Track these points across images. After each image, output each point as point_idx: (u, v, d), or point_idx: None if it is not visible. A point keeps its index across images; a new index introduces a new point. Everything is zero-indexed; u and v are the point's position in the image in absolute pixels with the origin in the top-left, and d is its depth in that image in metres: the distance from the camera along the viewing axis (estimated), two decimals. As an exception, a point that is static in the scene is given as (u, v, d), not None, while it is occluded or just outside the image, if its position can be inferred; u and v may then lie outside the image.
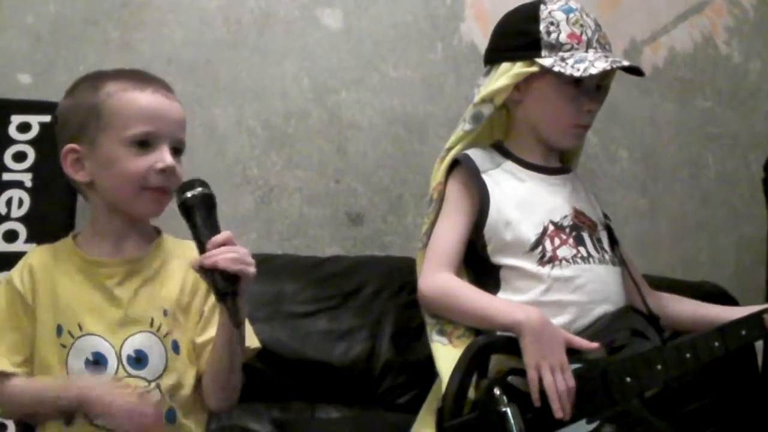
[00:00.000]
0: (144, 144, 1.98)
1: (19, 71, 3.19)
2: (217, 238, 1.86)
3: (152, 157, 1.98)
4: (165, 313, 2.01)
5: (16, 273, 2.05)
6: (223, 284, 1.83)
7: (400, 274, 2.92)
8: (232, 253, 1.85)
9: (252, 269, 1.87)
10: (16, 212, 2.79)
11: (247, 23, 3.36)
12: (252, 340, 2.09)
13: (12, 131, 2.88)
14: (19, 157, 2.84)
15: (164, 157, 1.98)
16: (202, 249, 1.87)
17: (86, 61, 3.19)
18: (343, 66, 3.40)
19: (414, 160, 3.35)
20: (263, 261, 3.01)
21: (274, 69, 3.36)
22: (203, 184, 1.92)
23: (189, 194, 1.90)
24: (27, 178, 2.82)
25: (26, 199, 2.80)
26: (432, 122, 3.40)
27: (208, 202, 1.91)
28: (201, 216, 1.89)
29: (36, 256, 2.08)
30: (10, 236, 2.76)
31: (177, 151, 2.03)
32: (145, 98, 2.02)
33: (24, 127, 2.88)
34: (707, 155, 3.68)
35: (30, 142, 2.86)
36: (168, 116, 2.03)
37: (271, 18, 3.37)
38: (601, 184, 3.51)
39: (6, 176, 2.83)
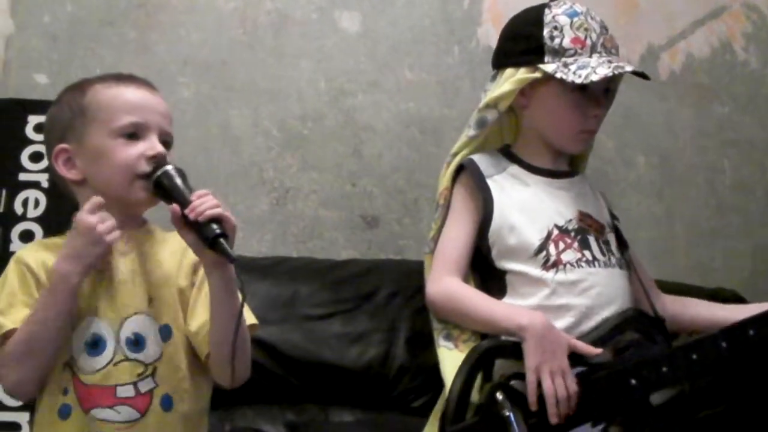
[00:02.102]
0: (132, 135, 1.99)
1: (36, 71, 3.20)
2: (199, 191, 1.91)
3: (141, 146, 1.99)
4: (150, 300, 2.01)
5: (29, 252, 2.04)
6: (212, 228, 1.87)
7: (416, 278, 2.89)
8: (213, 200, 1.89)
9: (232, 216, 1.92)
10: (32, 212, 2.80)
11: (263, 25, 3.36)
12: (250, 318, 2.06)
13: (29, 131, 2.89)
14: (36, 157, 2.85)
15: (154, 144, 2.00)
16: (184, 207, 1.90)
17: (102, 62, 3.20)
18: (360, 68, 3.40)
19: (429, 164, 3.34)
20: (278, 263, 3.04)
21: (290, 71, 3.36)
22: (169, 162, 1.99)
23: (163, 170, 1.95)
24: (43, 179, 2.83)
25: (42, 199, 2.81)
26: (448, 126, 3.39)
27: (182, 172, 1.96)
28: (180, 183, 1.94)
29: (36, 251, 2.05)
30: (27, 236, 2.77)
31: (165, 144, 2.04)
32: (129, 92, 2.05)
33: (41, 128, 2.86)
34: (724, 161, 3.68)
35: (46, 143, 2.87)
36: (154, 108, 2.05)
37: (287, 20, 3.37)
38: (616, 189, 3.50)
39: (23, 176, 2.84)
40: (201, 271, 2.04)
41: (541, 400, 2.10)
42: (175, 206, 1.89)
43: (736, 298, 3.07)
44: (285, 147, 3.33)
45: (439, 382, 2.32)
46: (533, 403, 2.09)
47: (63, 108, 2.07)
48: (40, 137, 2.86)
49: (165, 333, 2.01)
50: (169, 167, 1.95)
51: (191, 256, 2.03)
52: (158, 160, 1.98)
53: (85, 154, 2.02)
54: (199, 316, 2.02)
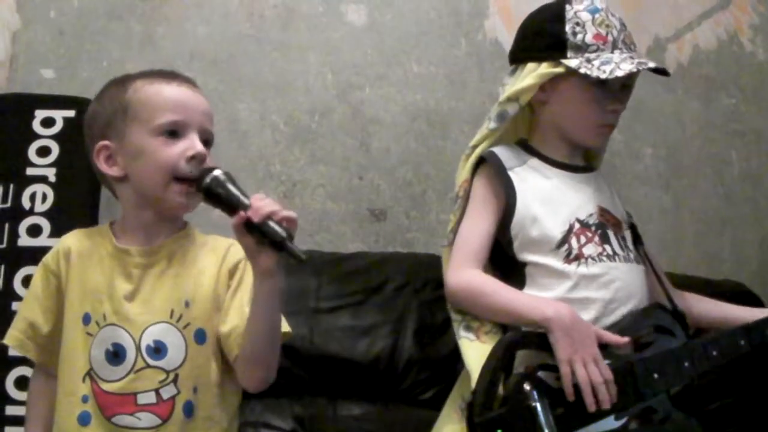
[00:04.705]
0: (173, 134, 1.97)
1: (43, 66, 3.21)
2: (257, 195, 1.87)
3: (182, 145, 1.97)
4: (187, 303, 2.00)
5: (52, 256, 2.06)
6: (281, 229, 1.82)
7: (423, 271, 2.91)
8: (272, 202, 1.85)
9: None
10: (39, 207, 2.79)
11: (270, 18, 3.36)
12: (284, 326, 2.04)
13: (36, 126, 2.89)
14: (43, 151, 2.85)
15: (194, 144, 1.97)
16: (244, 211, 1.85)
17: (109, 56, 3.20)
18: (367, 62, 3.40)
19: (437, 156, 3.34)
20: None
21: (297, 64, 3.36)
22: (215, 167, 1.94)
23: (212, 175, 1.91)
24: (51, 173, 2.83)
25: (50, 193, 2.81)
26: (455, 118, 3.39)
27: (231, 176, 1.92)
28: (233, 188, 1.89)
29: (73, 239, 2.08)
30: (34, 231, 2.76)
31: (206, 143, 2.02)
32: (171, 89, 2.02)
33: (48, 122, 2.89)
34: (731, 152, 3.67)
35: (54, 137, 2.87)
36: (195, 106, 2.03)
37: (294, 13, 3.37)
38: (624, 181, 3.50)
39: (30, 171, 2.84)
40: (237, 276, 2.04)
41: (575, 391, 2.09)
42: (242, 213, 1.83)
43: (742, 290, 3.07)
44: (292, 141, 3.33)
45: (448, 375, 2.33)
46: (570, 394, 2.08)
47: (104, 104, 2.04)
48: (47, 132, 2.88)
49: (199, 337, 2.00)
50: (217, 172, 1.91)
51: (229, 262, 2.04)
52: (201, 164, 1.96)
53: (125, 151, 2.00)
54: (232, 319, 2.00)
